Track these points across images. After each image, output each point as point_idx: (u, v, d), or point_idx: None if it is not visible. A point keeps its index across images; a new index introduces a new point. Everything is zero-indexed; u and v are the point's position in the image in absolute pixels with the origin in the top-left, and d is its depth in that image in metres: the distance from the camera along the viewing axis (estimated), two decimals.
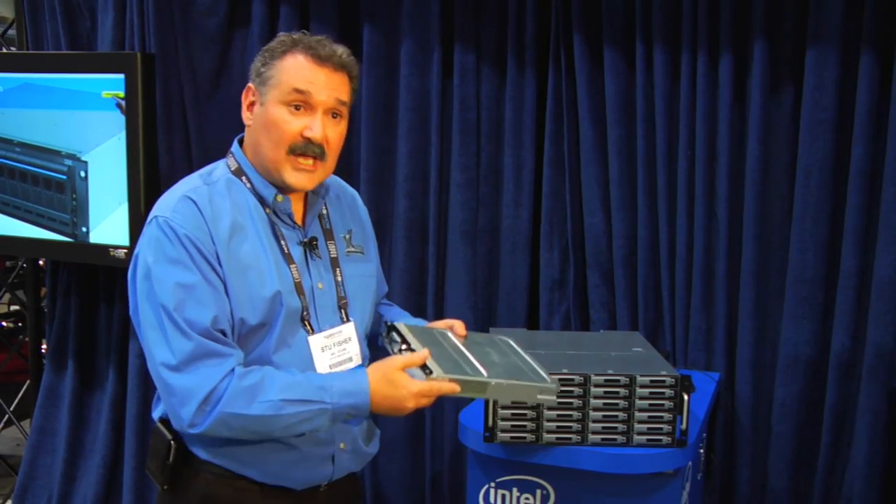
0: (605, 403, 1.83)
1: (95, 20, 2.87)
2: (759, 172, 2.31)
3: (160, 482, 1.62)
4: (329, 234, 1.68)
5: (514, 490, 1.92)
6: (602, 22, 2.42)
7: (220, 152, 1.67)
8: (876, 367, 2.21)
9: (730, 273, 2.37)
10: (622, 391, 1.83)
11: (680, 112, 2.38)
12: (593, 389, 1.83)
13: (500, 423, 1.84)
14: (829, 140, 2.23)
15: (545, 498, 1.90)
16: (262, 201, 1.59)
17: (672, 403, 1.82)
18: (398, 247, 2.68)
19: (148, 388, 2.83)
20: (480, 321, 2.64)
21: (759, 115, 2.29)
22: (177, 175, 1.66)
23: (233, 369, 1.48)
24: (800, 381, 2.31)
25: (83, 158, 2.71)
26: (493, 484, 1.93)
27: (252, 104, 1.59)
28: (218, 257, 1.50)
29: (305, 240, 1.63)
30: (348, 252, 1.71)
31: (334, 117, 1.57)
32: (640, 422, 1.83)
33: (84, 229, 2.75)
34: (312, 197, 1.66)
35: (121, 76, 2.60)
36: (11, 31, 3.24)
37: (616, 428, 1.84)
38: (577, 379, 1.83)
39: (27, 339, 3.35)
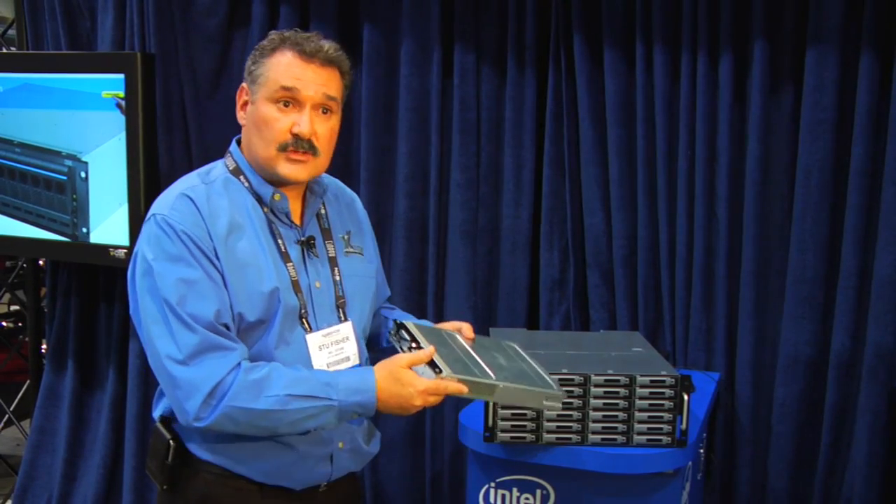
0: (605, 403, 1.83)
1: (95, 20, 2.87)
2: (759, 172, 2.31)
3: (159, 482, 1.62)
4: (327, 234, 1.69)
5: (514, 490, 1.92)
6: (602, 22, 2.42)
7: (220, 152, 1.67)
8: (876, 367, 2.21)
9: (730, 273, 2.37)
10: (622, 391, 1.83)
11: (680, 112, 2.38)
12: (593, 389, 1.83)
13: (500, 423, 1.84)
14: (829, 140, 2.23)
15: (545, 498, 1.90)
16: (259, 200, 1.60)
17: (672, 403, 1.82)
18: (398, 247, 2.68)
19: (148, 388, 2.83)
20: (480, 321, 2.64)
21: (759, 115, 2.29)
22: (177, 175, 1.66)
23: (239, 363, 1.48)
24: (800, 381, 2.31)
25: (83, 159, 2.71)
26: (493, 484, 1.93)
27: (245, 104, 1.60)
28: (216, 253, 1.50)
29: (303, 239, 1.63)
30: (347, 252, 1.71)
31: (324, 113, 1.58)
32: (640, 422, 1.83)
33: (84, 230, 2.75)
34: (310, 196, 1.67)
35: (121, 76, 2.60)
36: (11, 31, 3.24)
37: (616, 428, 1.84)
38: (577, 379, 1.83)
39: (27, 339, 3.35)
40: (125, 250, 2.67)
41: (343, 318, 1.66)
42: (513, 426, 1.84)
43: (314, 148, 1.56)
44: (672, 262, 2.44)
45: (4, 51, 3.28)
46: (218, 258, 1.50)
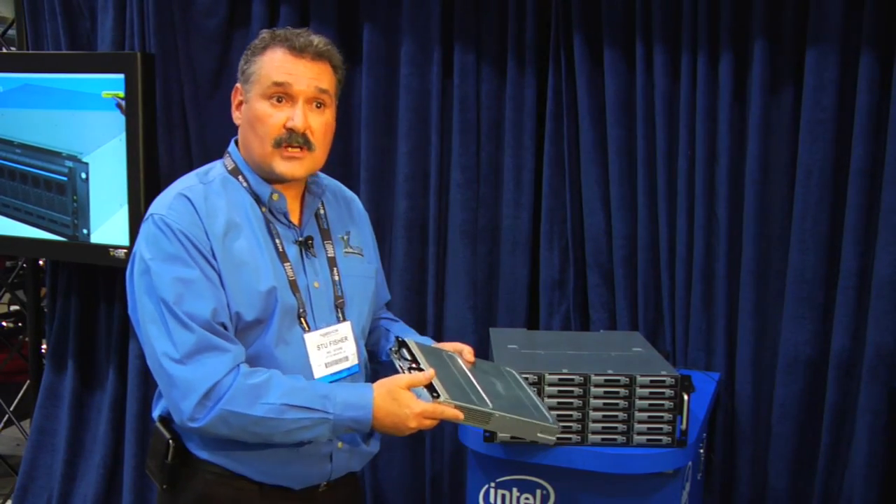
0: (605, 403, 1.83)
1: (95, 20, 2.87)
2: (759, 172, 2.31)
3: (159, 481, 1.62)
4: (326, 234, 1.69)
5: (514, 490, 1.92)
6: (602, 22, 2.42)
7: (220, 152, 1.68)
8: (876, 367, 2.21)
9: (730, 273, 2.37)
10: (622, 391, 1.83)
11: (680, 112, 2.38)
12: (593, 389, 1.83)
13: None
14: (829, 140, 2.23)
15: (545, 498, 1.90)
16: (258, 200, 1.60)
17: (672, 403, 1.82)
18: (398, 247, 2.68)
19: (148, 388, 2.83)
20: (480, 321, 2.64)
21: (759, 115, 2.29)
22: (177, 175, 1.67)
23: (237, 365, 1.49)
24: (800, 381, 2.31)
25: (84, 160, 2.71)
26: (493, 484, 1.93)
27: (240, 103, 1.61)
28: (213, 253, 1.51)
29: (301, 238, 1.63)
30: (346, 252, 1.71)
31: (318, 107, 1.58)
32: (640, 422, 1.83)
33: (85, 231, 2.75)
34: (309, 196, 1.67)
35: (121, 76, 2.59)
36: (11, 31, 3.24)
37: (616, 428, 1.84)
38: (577, 379, 1.83)
39: (27, 339, 3.34)
40: (125, 250, 2.67)
41: (342, 318, 1.66)
42: (512, 435, 1.83)
43: (309, 142, 1.57)
44: (672, 262, 2.44)
45: (4, 51, 3.28)
46: (215, 257, 1.51)
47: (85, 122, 2.69)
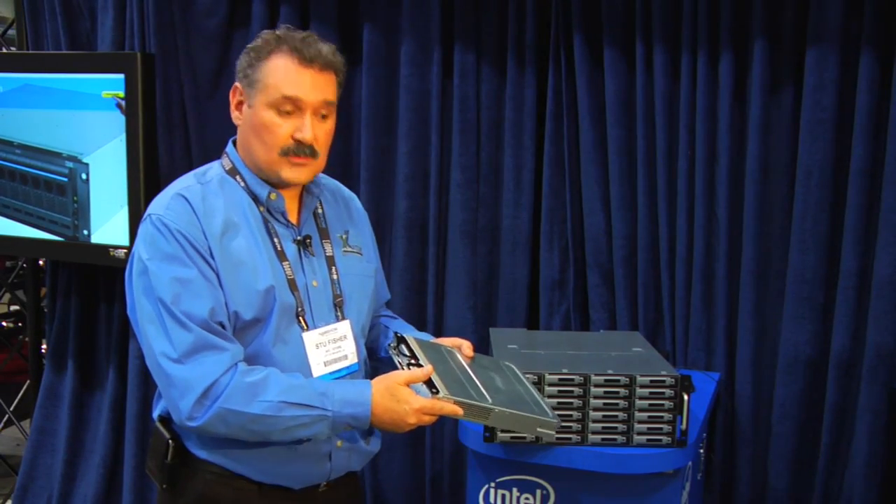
0: (605, 403, 1.83)
1: (95, 20, 2.87)
2: (759, 172, 2.31)
3: (159, 481, 1.62)
4: (324, 233, 1.69)
5: (514, 490, 1.92)
6: (602, 22, 2.42)
7: (220, 152, 1.68)
8: (876, 367, 2.21)
9: (730, 273, 2.37)
10: (622, 391, 1.83)
11: (680, 112, 2.38)
12: (593, 389, 1.83)
13: None
14: (829, 140, 2.23)
15: (545, 498, 1.90)
16: (255, 199, 1.60)
17: (672, 403, 1.82)
18: (398, 247, 2.68)
19: (148, 388, 2.83)
20: (480, 321, 2.64)
21: (759, 115, 2.29)
22: (177, 175, 1.67)
23: (235, 364, 1.49)
24: (800, 381, 2.31)
25: (84, 160, 2.71)
26: (493, 484, 1.93)
27: (240, 104, 1.60)
28: (211, 252, 1.51)
29: (299, 237, 1.63)
30: (345, 251, 1.72)
31: (322, 117, 1.58)
32: (640, 422, 1.83)
33: (85, 232, 2.75)
34: (307, 196, 1.67)
35: (121, 76, 2.59)
36: (11, 31, 3.24)
37: (616, 428, 1.84)
38: (577, 379, 1.83)
39: (27, 339, 3.35)
40: (125, 250, 2.67)
41: (341, 317, 1.66)
42: (511, 430, 1.83)
43: (314, 152, 1.57)
44: (672, 262, 2.44)
45: (4, 51, 3.28)
46: (213, 257, 1.51)
47: (85, 123, 2.69)
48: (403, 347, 1.63)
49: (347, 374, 1.66)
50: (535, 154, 2.57)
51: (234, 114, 1.62)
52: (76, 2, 2.89)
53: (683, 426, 1.83)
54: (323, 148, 1.60)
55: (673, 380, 1.82)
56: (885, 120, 2.18)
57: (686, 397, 1.81)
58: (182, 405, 1.47)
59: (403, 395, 1.51)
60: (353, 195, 1.86)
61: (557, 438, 1.83)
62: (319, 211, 1.70)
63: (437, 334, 2.65)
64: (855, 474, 2.26)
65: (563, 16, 2.46)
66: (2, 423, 3.38)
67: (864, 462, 2.23)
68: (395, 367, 1.62)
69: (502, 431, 1.83)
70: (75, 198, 2.74)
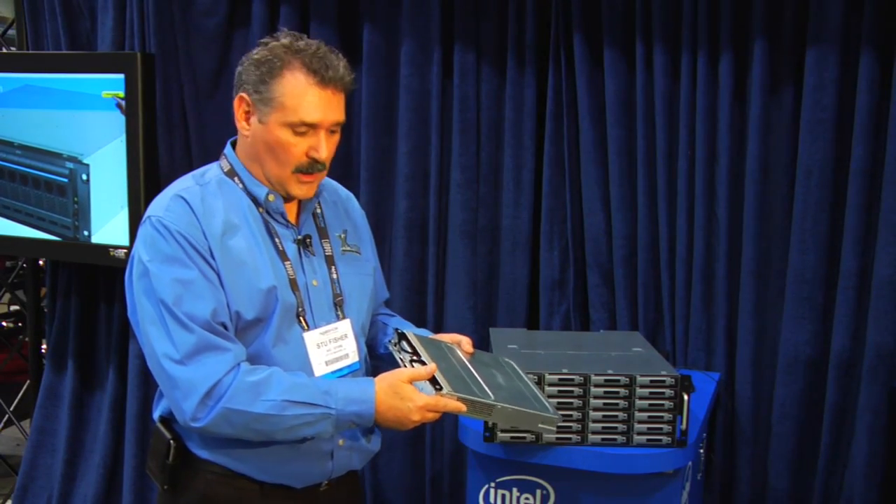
0: (605, 403, 1.83)
1: (95, 20, 2.87)
2: (759, 172, 2.31)
3: (160, 482, 1.62)
4: (323, 233, 1.69)
5: (514, 490, 1.92)
6: (602, 22, 2.42)
7: (220, 153, 1.67)
8: (876, 367, 2.21)
9: (730, 273, 2.37)
10: (622, 391, 1.83)
11: (680, 112, 2.38)
12: (593, 389, 1.83)
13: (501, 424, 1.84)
14: (829, 140, 2.23)
15: (545, 498, 1.90)
16: (254, 201, 1.60)
17: (672, 403, 1.82)
18: (398, 247, 2.68)
19: (148, 388, 2.84)
20: (480, 321, 2.64)
21: (759, 115, 2.29)
22: (177, 175, 1.67)
23: (238, 364, 1.49)
24: (800, 381, 2.31)
25: (85, 161, 2.71)
26: (493, 484, 1.93)
27: (248, 114, 1.57)
28: (212, 252, 1.51)
29: (299, 237, 1.63)
30: (344, 251, 1.72)
31: (332, 132, 1.59)
32: (640, 422, 1.83)
33: (86, 233, 2.75)
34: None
35: (121, 76, 2.59)
36: (11, 31, 3.24)
37: (616, 428, 1.84)
38: (577, 379, 1.83)
39: (27, 339, 3.35)
40: (125, 250, 2.66)
41: (341, 316, 1.66)
42: (513, 426, 1.83)
43: (324, 167, 1.59)
44: (672, 262, 2.44)
45: (4, 51, 3.28)
46: (214, 257, 1.51)
47: (85, 123, 2.69)
48: (404, 344, 1.63)
49: (349, 372, 1.66)
50: (535, 154, 2.57)
51: (241, 124, 1.59)
52: (76, 2, 2.89)
53: (683, 426, 1.83)
54: (329, 160, 1.61)
55: (673, 380, 1.82)
56: (885, 120, 2.18)
57: (686, 397, 1.81)
58: (186, 406, 1.47)
59: (407, 393, 1.51)
60: (351, 194, 1.86)
61: (557, 438, 1.83)
62: (318, 211, 1.71)
63: (437, 333, 2.66)
64: (855, 474, 2.26)
65: (563, 16, 2.46)
66: (2, 423, 3.38)
67: (864, 462, 2.23)
68: (394, 364, 1.62)
69: (502, 431, 1.84)
70: (76, 199, 2.74)
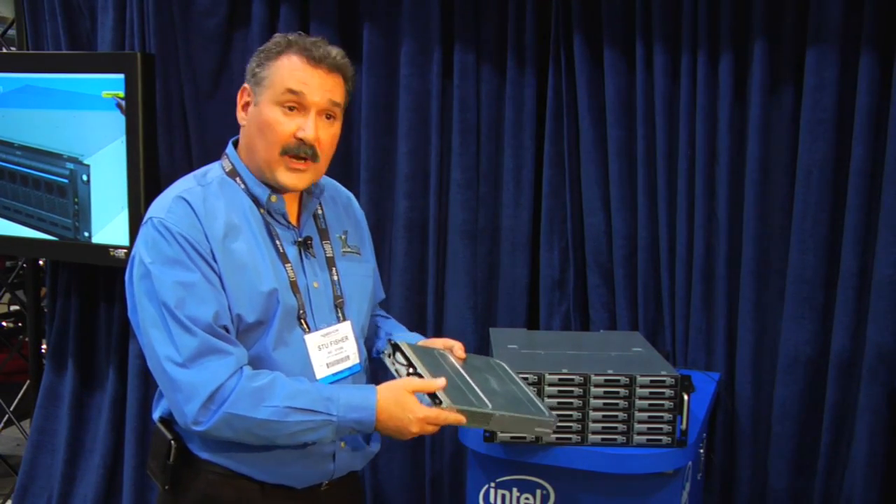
0: (605, 403, 1.83)
1: (95, 20, 2.87)
2: (759, 172, 2.31)
3: (161, 482, 1.62)
4: (324, 234, 1.69)
5: (514, 490, 1.92)
6: (602, 22, 2.42)
7: (221, 152, 1.67)
8: (876, 367, 2.21)
9: (730, 273, 2.37)
10: (622, 391, 1.83)
11: (680, 112, 2.38)
12: (593, 389, 1.83)
13: None
14: (829, 140, 2.23)
15: (545, 498, 1.90)
16: (256, 201, 1.60)
17: (672, 403, 1.82)
18: (398, 247, 2.68)
19: (148, 388, 2.84)
20: (480, 321, 2.64)
21: (759, 115, 2.29)
22: (177, 175, 1.67)
23: (241, 368, 1.49)
24: (800, 381, 2.31)
25: (86, 162, 2.71)
26: (493, 484, 1.93)
27: (247, 104, 1.60)
28: (213, 255, 1.50)
29: (300, 239, 1.63)
30: (344, 252, 1.72)
31: (328, 118, 1.58)
32: (640, 422, 1.83)
33: (86, 234, 2.74)
34: (307, 197, 1.67)
35: (121, 76, 2.59)
36: (11, 31, 3.24)
37: (616, 428, 1.84)
38: (577, 379, 1.83)
39: (27, 339, 3.35)
40: (125, 250, 2.66)
41: (342, 318, 1.66)
42: (511, 432, 1.83)
43: (316, 154, 1.57)
44: (672, 262, 2.44)
45: (4, 51, 3.28)
46: (215, 260, 1.50)
47: (85, 123, 2.69)
48: (399, 356, 1.63)
49: (350, 374, 1.66)
50: (535, 154, 2.57)
51: (240, 114, 1.61)
52: (76, 2, 2.89)
53: (683, 426, 1.83)
54: (325, 151, 1.59)
55: (673, 380, 1.82)
56: (885, 120, 2.18)
57: (686, 397, 1.81)
58: (188, 410, 1.47)
59: (409, 404, 1.51)
60: (351, 195, 1.86)
61: (557, 438, 1.83)
62: (319, 212, 1.70)
63: (437, 334, 2.66)
64: (855, 474, 2.26)
65: (563, 16, 2.46)
66: (2, 423, 3.37)
67: (864, 462, 2.23)
68: (387, 370, 1.62)
69: (502, 431, 1.84)
70: (76, 199, 2.74)
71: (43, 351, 3.21)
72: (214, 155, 1.70)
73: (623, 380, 1.82)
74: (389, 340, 1.68)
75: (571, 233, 2.53)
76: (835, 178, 2.25)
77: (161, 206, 1.54)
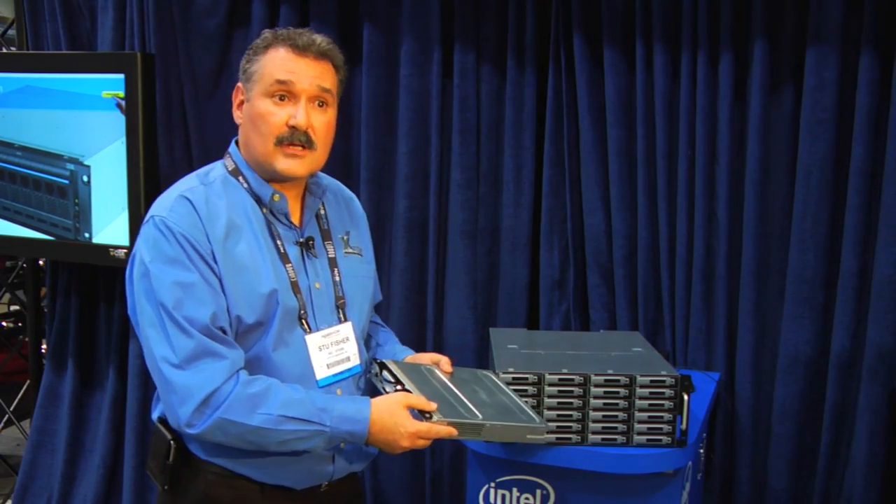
0: (605, 403, 1.83)
1: (95, 20, 2.87)
2: (759, 172, 2.31)
3: (160, 482, 1.62)
4: (327, 235, 1.69)
5: (514, 490, 1.92)
6: (602, 22, 2.42)
7: (220, 152, 1.68)
8: (876, 367, 2.21)
9: (730, 273, 2.37)
10: (622, 391, 1.83)
11: (680, 112, 2.38)
12: (593, 389, 1.83)
13: None
14: (829, 140, 2.23)
15: (545, 498, 1.90)
16: (258, 201, 1.60)
17: (672, 403, 1.82)
18: (398, 247, 2.68)
19: (148, 389, 2.83)
20: (480, 321, 2.64)
21: (759, 115, 2.29)
22: (177, 175, 1.67)
23: (237, 373, 1.48)
24: (800, 381, 2.31)
25: (86, 163, 2.71)
26: (493, 484, 1.93)
27: (241, 103, 1.61)
28: (214, 256, 1.50)
29: (302, 239, 1.63)
30: (346, 253, 1.72)
31: (320, 106, 1.58)
32: (640, 422, 1.83)
33: (87, 235, 2.74)
34: (309, 197, 1.67)
35: (121, 76, 2.59)
36: (11, 31, 3.24)
37: (616, 428, 1.84)
38: (577, 379, 1.83)
39: (27, 339, 3.35)
40: (125, 250, 2.66)
41: (343, 319, 1.66)
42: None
43: (311, 141, 1.57)
44: (672, 262, 2.44)
45: (4, 51, 3.28)
46: (216, 261, 1.50)
47: (85, 123, 2.69)
48: (386, 374, 1.64)
49: (350, 376, 1.66)
50: (535, 154, 2.57)
51: (236, 113, 1.62)
52: (76, 2, 2.89)
53: (683, 426, 1.83)
54: (321, 139, 1.59)
55: (673, 380, 1.82)
56: (885, 120, 2.18)
57: (686, 397, 1.81)
58: (181, 412, 1.47)
59: (401, 418, 1.52)
60: (353, 196, 1.86)
61: (557, 438, 1.83)
62: (322, 212, 1.70)
63: (437, 334, 2.66)
64: (855, 474, 2.26)
65: (563, 16, 2.45)
66: (2, 423, 3.38)
67: (864, 462, 2.23)
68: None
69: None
70: (76, 200, 2.74)
71: (43, 351, 3.21)
72: (214, 155, 1.70)
73: (623, 380, 1.82)
74: (375, 359, 1.69)
75: (571, 233, 2.53)
76: (835, 178, 2.25)
77: (163, 205, 1.54)
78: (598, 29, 2.43)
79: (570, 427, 1.84)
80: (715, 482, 2.43)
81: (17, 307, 4.83)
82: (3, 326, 4.88)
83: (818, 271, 2.28)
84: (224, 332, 1.50)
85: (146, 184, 2.61)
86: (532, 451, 1.85)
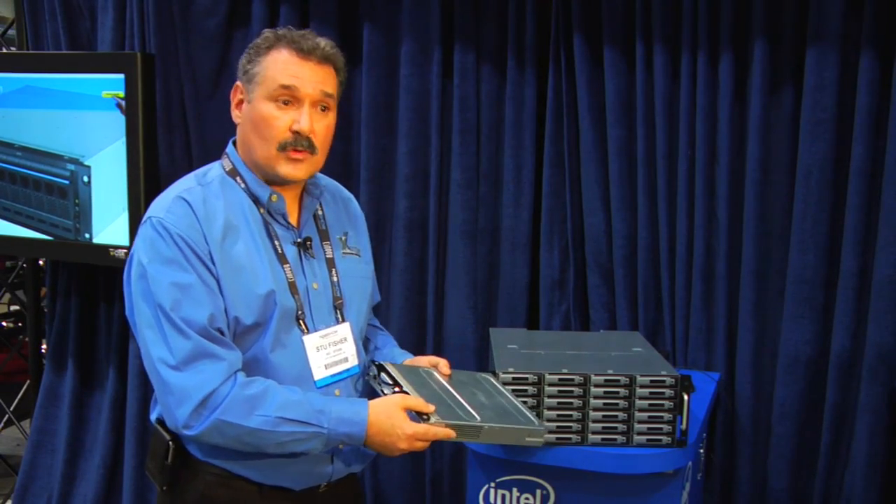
0: (605, 403, 1.83)
1: (95, 20, 2.87)
2: (759, 172, 2.31)
3: (159, 483, 1.62)
4: (325, 235, 1.69)
5: (514, 490, 1.92)
6: (602, 22, 2.42)
7: (221, 153, 1.67)
8: (876, 367, 2.21)
9: (730, 273, 2.37)
10: (622, 391, 1.83)
11: (680, 112, 2.38)
12: (593, 389, 1.83)
13: None
14: (829, 140, 2.23)
15: (545, 498, 1.90)
16: (256, 201, 1.60)
17: (672, 403, 1.82)
18: (398, 247, 2.68)
19: (148, 389, 2.83)
20: (480, 321, 2.64)
21: (759, 115, 2.29)
22: (177, 175, 1.67)
23: (235, 374, 1.48)
24: (800, 381, 2.31)
25: (86, 163, 2.71)
26: (493, 484, 1.93)
27: (240, 102, 1.60)
28: (211, 257, 1.50)
29: (300, 240, 1.63)
30: (344, 253, 1.71)
31: (322, 110, 1.58)
32: (640, 422, 1.83)
33: (87, 235, 2.74)
34: (307, 197, 1.67)
35: (121, 76, 2.59)
36: (11, 31, 3.24)
37: (616, 428, 1.84)
38: (577, 379, 1.83)
39: (27, 339, 3.35)
40: (125, 250, 2.66)
41: (341, 319, 1.66)
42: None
43: (313, 146, 1.57)
44: (672, 262, 2.44)
45: (4, 51, 3.28)
46: (213, 262, 1.50)
47: (85, 124, 2.69)
48: (384, 376, 1.63)
49: (348, 376, 1.66)
50: (535, 154, 2.57)
51: (235, 112, 1.62)
52: (76, 2, 2.89)
53: (683, 426, 1.83)
54: (322, 143, 1.59)
55: (673, 380, 1.82)
56: (885, 120, 2.18)
57: (686, 397, 1.81)
58: (179, 413, 1.46)
59: (398, 420, 1.52)
60: (352, 196, 1.85)
61: (557, 438, 1.83)
62: (319, 212, 1.70)
63: (437, 334, 2.66)
64: (855, 474, 2.26)
65: (563, 16, 2.45)
66: (2, 423, 3.38)
67: (864, 462, 2.23)
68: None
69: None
70: (77, 201, 2.74)
71: (43, 351, 3.21)
72: (214, 155, 1.70)
73: (623, 380, 1.82)
74: (373, 362, 1.69)
75: (571, 233, 2.53)
76: (835, 178, 2.25)
77: (161, 206, 1.53)
78: (598, 29, 2.43)
79: (570, 427, 1.84)
80: (715, 482, 2.43)
81: (17, 307, 4.83)
82: (3, 326, 4.88)
83: (818, 271, 2.28)
84: (222, 333, 1.49)
85: (146, 184, 2.61)
86: (532, 451, 1.85)
